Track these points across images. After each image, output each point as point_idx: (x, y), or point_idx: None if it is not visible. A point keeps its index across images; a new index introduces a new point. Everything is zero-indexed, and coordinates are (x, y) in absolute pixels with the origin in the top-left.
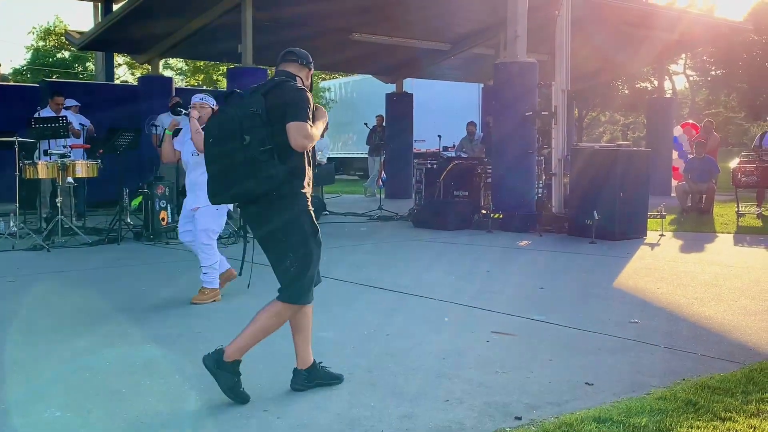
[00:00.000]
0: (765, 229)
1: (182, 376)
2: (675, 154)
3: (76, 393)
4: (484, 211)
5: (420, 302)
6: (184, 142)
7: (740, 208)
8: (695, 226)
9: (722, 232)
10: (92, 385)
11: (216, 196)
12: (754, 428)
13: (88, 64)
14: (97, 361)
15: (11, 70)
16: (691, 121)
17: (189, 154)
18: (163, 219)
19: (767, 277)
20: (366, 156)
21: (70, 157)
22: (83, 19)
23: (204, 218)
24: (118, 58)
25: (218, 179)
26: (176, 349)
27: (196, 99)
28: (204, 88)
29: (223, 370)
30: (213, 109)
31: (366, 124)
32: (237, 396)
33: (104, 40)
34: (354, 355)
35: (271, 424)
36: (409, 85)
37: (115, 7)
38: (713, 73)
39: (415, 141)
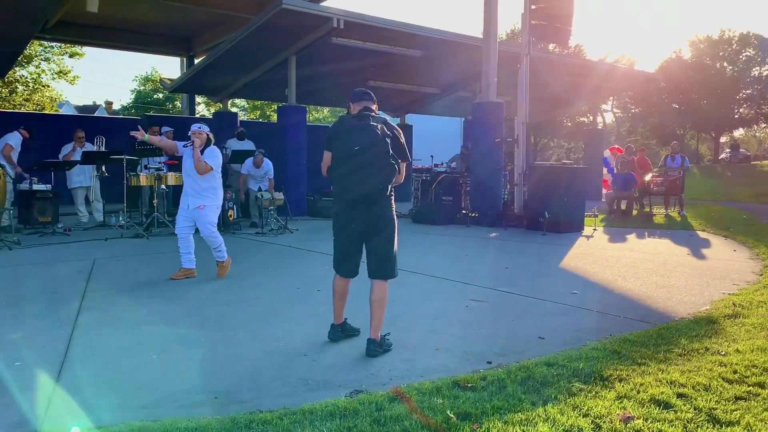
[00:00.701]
0: (669, 226)
1: (246, 330)
2: (605, 171)
3: (169, 342)
4: (464, 211)
5: (417, 278)
6: (186, 161)
7: (652, 210)
8: (619, 223)
9: (639, 228)
10: (178, 335)
11: (351, 191)
12: (662, 371)
13: (176, 102)
14: (185, 317)
15: (120, 107)
16: (616, 146)
17: (189, 169)
18: (230, 216)
19: (672, 260)
20: None
21: (163, 170)
22: (173, 69)
23: (209, 213)
24: (198, 98)
25: (362, 178)
26: (234, 307)
27: (195, 127)
28: (260, 120)
29: (380, 347)
30: (208, 135)
31: None
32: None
33: (188, 86)
34: (366, 316)
35: (310, 366)
36: (410, 118)
37: (196, 61)
38: (633, 110)
39: (414, 160)
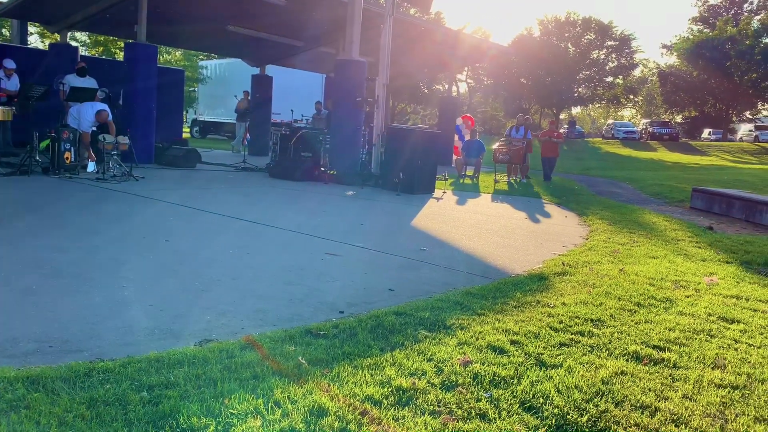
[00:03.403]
0: (511, 192)
1: (85, 278)
2: (456, 137)
3: None
4: (323, 168)
5: (273, 231)
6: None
7: (496, 177)
8: (467, 187)
9: (484, 193)
10: (7, 282)
11: None
12: (499, 320)
13: (3, 30)
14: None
15: None
16: (468, 115)
17: None
18: (67, 158)
19: (511, 223)
20: (234, 121)
21: None
22: None
23: None
24: (32, 28)
25: None
26: None
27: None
28: (104, 58)
29: None
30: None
31: (235, 96)
32: None
33: (19, 10)
34: (222, 267)
35: (156, 316)
36: (271, 70)
37: None
38: (485, 82)
39: (273, 113)
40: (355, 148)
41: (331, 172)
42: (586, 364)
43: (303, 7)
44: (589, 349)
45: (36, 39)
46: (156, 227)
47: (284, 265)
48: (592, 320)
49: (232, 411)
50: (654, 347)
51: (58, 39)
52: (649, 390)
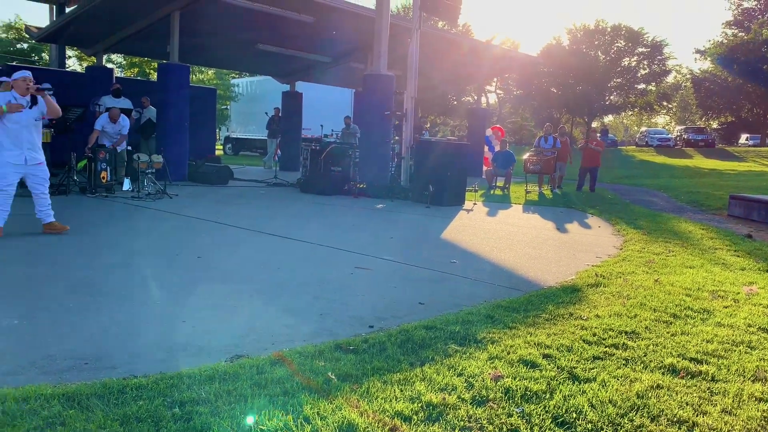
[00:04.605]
0: (543, 202)
1: (118, 295)
2: (486, 149)
3: (33, 306)
4: (352, 182)
5: (303, 246)
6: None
7: (528, 187)
8: (497, 198)
9: (515, 204)
10: (43, 300)
11: None
12: (531, 334)
13: (44, 54)
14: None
15: None
16: (498, 125)
17: (27, 120)
18: (103, 178)
19: (543, 234)
20: (266, 138)
21: None
22: (39, 18)
23: (46, 170)
24: (70, 52)
25: None
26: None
27: (27, 74)
28: (138, 78)
29: None
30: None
31: (266, 113)
32: None
33: (58, 35)
34: (250, 281)
35: (188, 332)
36: (300, 86)
37: (68, 9)
38: (515, 92)
39: (303, 129)
40: (384, 161)
41: (361, 186)
42: (621, 377)
43: (331, 24)
44: (624, 362)
45: (74, 62)
46: (189, 244)
47: (313, 279)
48: (626, 332)
49: (262, 428)
50: (691, 360)
51: (95, 61)
52: (687, 404)
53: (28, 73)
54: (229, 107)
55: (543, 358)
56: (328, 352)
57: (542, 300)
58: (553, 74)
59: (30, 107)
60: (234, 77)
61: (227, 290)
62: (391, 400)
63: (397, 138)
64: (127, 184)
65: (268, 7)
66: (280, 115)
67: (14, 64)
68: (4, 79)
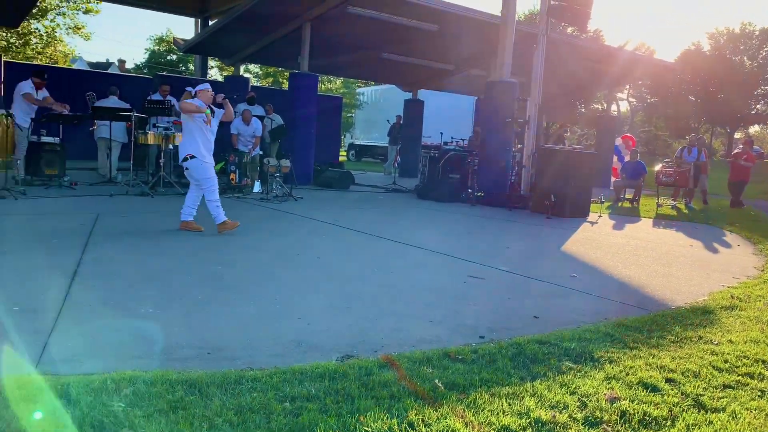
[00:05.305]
0: (677, 217)
1: (241, 290)
2: (615, 158)
3: (165, 297)
4: (470, 190)
5: (417, 252)
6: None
7: (659, 201)
8: (625, 211)
9: (644, 217)
10: (176, 291)
11: None
12: (653, 356)
13: (189, 64)
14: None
15: (133, 66)
16: (629, 134)
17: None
18: (232, 179)
19: (674, 251)
20: (387, 145)
21: (171, 130)
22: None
23: None
24: (211, 62)
25: None
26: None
27: (208, 86)
28: (272, 87)
29: None
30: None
31: (388, 120)
32: None
33: (201, 47)
34: (364, 284)
35: (303, 330)
36: (422, 93)
37: (211, 23)
38: (649, 100)
39: (424, 136)
40: (503, 169)
41: (479, 194)
42: (755, 410)
43: (454, 31)
44: (759, 393)
45: (215, 72)
46: (309, 244)
47: (425, 286)
48: (763, 361)
49: (366, 429)
50: None
51: (233, 71)
52: None
53: (209, 86)
54: (354, 115)
55: (666, 382)
56: (437, 359)
57: (669, 321)
58: (692, 81)
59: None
60: (360, 86)
61: (342, 291)
62: (498, 414)
63: (519, 146)
64: (257, 187)
65: (393, 17)
66: (401, 122)
67: (164, 74)
68: (188, 89)
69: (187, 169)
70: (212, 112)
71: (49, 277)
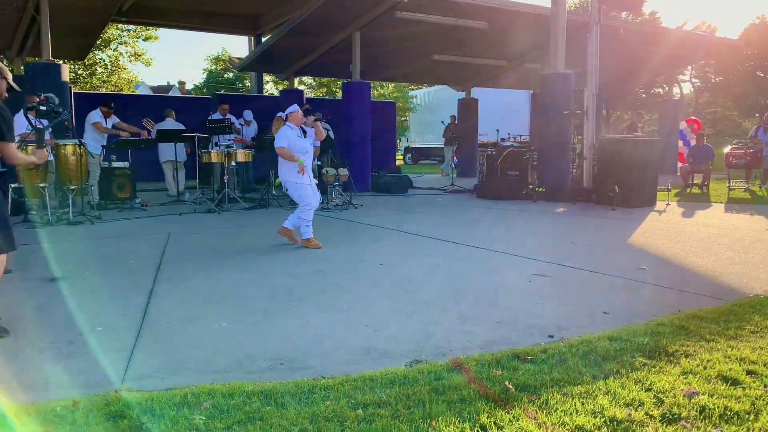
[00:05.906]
0: (751, 200)
1: (311, 301)
2: (680, 143)
3: (239, 311)
4: (530, 186)
5: (481, 252)
6: (307, 140)
7: (731, 184)
8: (694, 198)
9: (715, 203)
10: (248, 305)
11: None
12: (732, 347)
13: (246, 81)
14: (250, 287)
15: (193, 86)
16: (693, 117)
17: (311, 147)
18: None
19: (749, 236)
20: (443, 146)
21: (233, 147)
22: (242, 48)
23: None
24: (266, 77)
25: None
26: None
27: (298, 107)
28: (326, 98)
29: None
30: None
31: (442, 122)
32: None
33: (255, 64)
34: (428, 288)
35: (371, 336)
36: (476, 92)
37: (264, 39)
38: (713, 80)
39: (480, 134)
40: (563, 162)
41: (540, 190)
42: None
43: (504, 27)
44: None
45: (270, 86)
46: (371, 251)
47: (491, 287)
48: None
49: None
50: None
51: (287, 85)
52: None
53: (297, 107)
54: (408, 118)
55: (747, 374)
56: (506, 360)
57: (747, 310)
58: (759, 56)
59: (304, 136)
60: (412, 89)
61: (406, 296)
62: (571, 413)
63: (579, 137)
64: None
65: (442, 18)
66: (456, 122)
67: (222, 92)
68: (280, 114)
69: (287, 189)
70: (304, 133)
71: (127, 297)
